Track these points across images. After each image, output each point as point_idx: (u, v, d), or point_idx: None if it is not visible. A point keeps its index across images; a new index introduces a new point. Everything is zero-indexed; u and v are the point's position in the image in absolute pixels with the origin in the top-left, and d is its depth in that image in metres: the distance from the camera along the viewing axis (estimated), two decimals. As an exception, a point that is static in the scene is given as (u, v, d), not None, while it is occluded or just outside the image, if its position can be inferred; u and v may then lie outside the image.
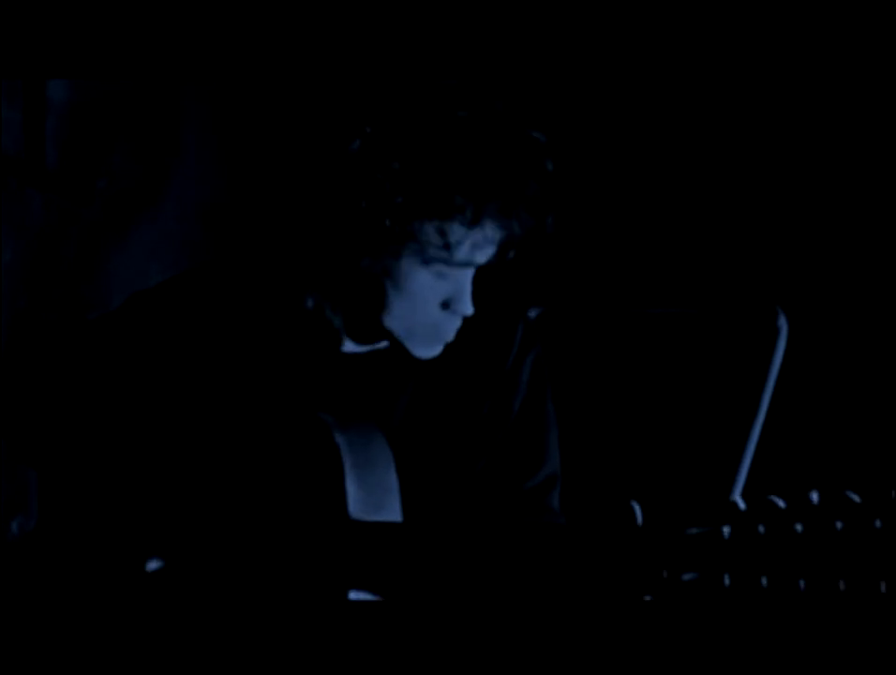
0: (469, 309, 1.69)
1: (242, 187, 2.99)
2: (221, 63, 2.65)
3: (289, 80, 2.74)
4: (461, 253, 1.65)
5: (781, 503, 1.22)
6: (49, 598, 1.63)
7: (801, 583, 1.19)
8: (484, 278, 1.74)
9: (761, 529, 1.21)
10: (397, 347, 1.74)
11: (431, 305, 1.69)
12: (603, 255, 2.76)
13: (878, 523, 1.17)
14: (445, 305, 1.69)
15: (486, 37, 2.73)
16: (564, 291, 2.69)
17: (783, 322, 2.05)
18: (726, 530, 1.23)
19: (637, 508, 1.29)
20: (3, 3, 2.51)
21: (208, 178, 2.99)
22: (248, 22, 2.68)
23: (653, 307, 2.18)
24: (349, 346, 1.77)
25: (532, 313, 2.10)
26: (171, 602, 1.58)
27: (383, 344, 1.75)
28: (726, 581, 1.20)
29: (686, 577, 1.21)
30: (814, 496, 1.22)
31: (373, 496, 1.61)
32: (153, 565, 1.62)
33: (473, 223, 1.63)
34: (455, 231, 1.63)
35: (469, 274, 1.69)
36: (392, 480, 1.64)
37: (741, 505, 1.24)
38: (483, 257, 1.67)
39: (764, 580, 1.20)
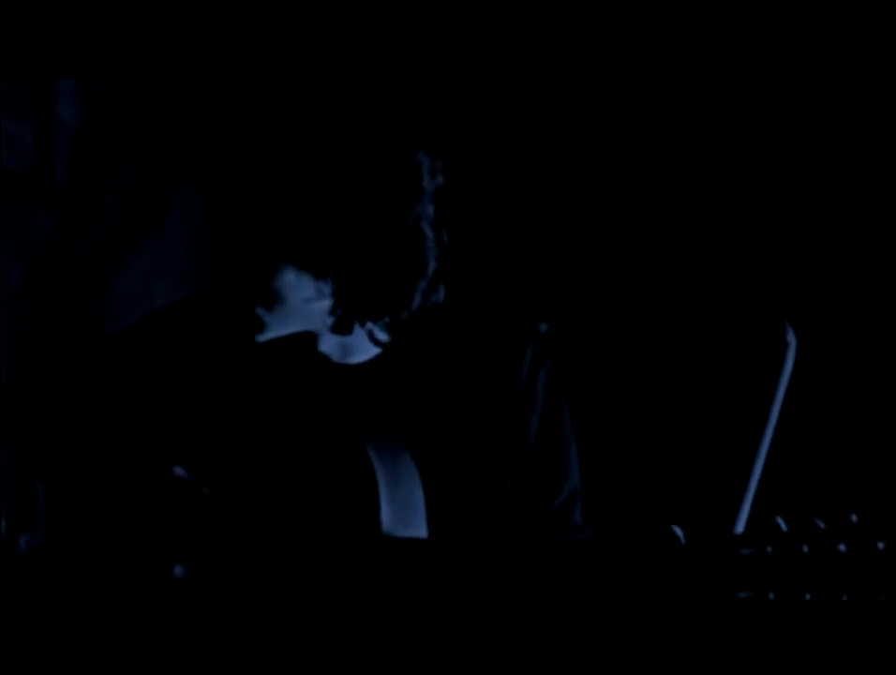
0: None
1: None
2: (222, 69, 2.66)
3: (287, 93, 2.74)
4: None
5: (821, 525, 1.25)
6: (56, 613, 1.64)
7: (844, 598, 1.22)
8: (490, 294, 1.75)
9: (805, 549, 1.24)
10: (389, 359, 1.76)
11: None
12: (609, 270, 2.77)
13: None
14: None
15: (488, 39, 2.73)
16: (572, 306, 2.70)
17: (791, 337, 2.07)
18: (770, 549, 1.25)
19: (679, 531, 1.31)
20: (5, 4, 2.51)
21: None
22: (247, 29, 2.69)
23: (660, 322, 2.19)
24: (335, 356, 1.79)
25: (542, 328, 2.11)
26: (185, 615, 1.59)
27: (370, 353, 1.77)
28: (771, 596, 1.23)
29: (742, 595, 1.24)
30: (854, 517, 1.24)
31: (401, 512, 1.62)
32: (178, 571, 1.62)
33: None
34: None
35: None
36: (418, 497, 1.65)
37: (783, 527, 1.26)
38: None
39: (808, 596, 1.22)
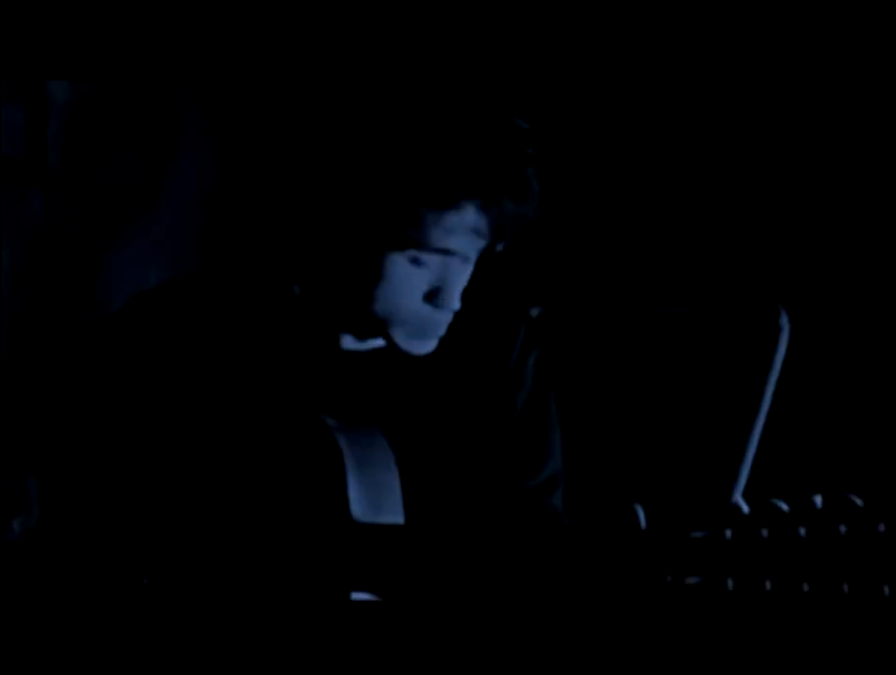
0: (453, 304, 1.66)
1: (240, 186, 3.00)
2: (217, 62, 2.66)
3: (282, 75, 2.75)
4: (433, 236, 1.62)
5: (784, 507, 1.22)
6: (49, 598, 1.64)
7: (805, 587, 1.19)
8: (483, 276, 1.74)
9: (764, 533, 1.21)
10: (395, 344, 1.74)
11: (412, 295, 1.66)
12: (604, 253, 2.76)
13: (881, 527, 1.17)
14: (429, 296, 1.66)
15: (486, 36, 2.73)
16: (565, 290, 2.69)
17: (784, 321, 2.05)
18: (729, 533, 1.23)
19: (640, 511, 1.29)
20: (3, 3, 2.52)
21: (208, 179, 3.00)
22: (244, 19, 2.69)
23: (654, 306, 2.18)
24: (347, 342, 1.77)
25: (534, 312, 2.11)
26: (170, 604, 1.58)
27: (380, 341, 1.75)
28: (730, 585, 1.20)
29: (690, 580, 1.21)
30: (818, 500, 1.21)
31: (375, 497, 1.61)
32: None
33: (446, 206, 1.61)
34: (426, 212, 1.61)
35: (454, 265, 1.66)
36: (394, 481, 1.64)
37: (744, 508, 1.24)
38: (460, 244, 1.63)
39: (768, 584, 1.20)
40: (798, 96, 2.64)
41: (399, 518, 1.63)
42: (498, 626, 1.47)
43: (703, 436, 2.12)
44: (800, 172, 2.64)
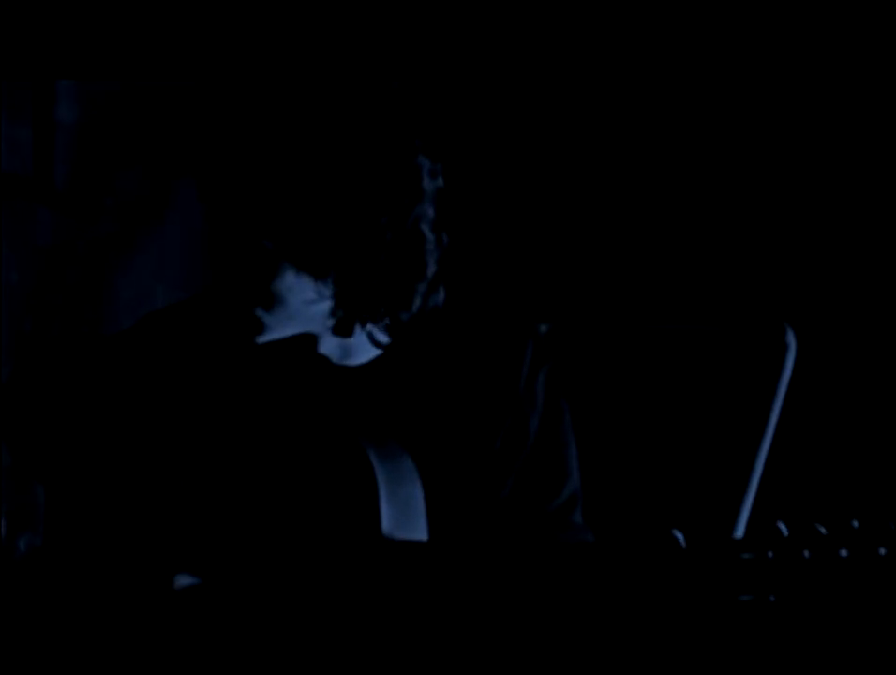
0: None
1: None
2: (220, 69, 2.67)
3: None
4: None
5: (823, 530, 1.25)
6: (54, 615, 1.64)
7: (843, 604, 1.22)
8: (488, 293, 1.75)
9: (806, 554, 1.24)
10: (389, 360, 1.77)
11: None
12: (610, 270, 2.77)
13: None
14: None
15: (488, 38, 2.74)
16: (572, 307, 2.70)
17: (791, 339, 2.07)
18: (770, 554, 1.25)
19: (680, 536, 1.31)
20: (5, 5, 2.52)
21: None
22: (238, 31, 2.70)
23: (660, 324, 2.19)
24: (335, 356, 1.79)
25: (542, 329, 2.12)
26: (187, 618, 1.59)
27: (365, 357, 1.78)
28: (771, 600, 1.23)
29: (743, 598, 1.24)
30: (855, 523, 1.24)
31: (402, 514, 1.63)
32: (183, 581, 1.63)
33: None
34: None
35: None
36: (419, 499, 1.66)
37: (785, 531, 1.27)
38: None
39: (809, 602, 1.22)
40: (812, 113, 2.65)
41: (423, 536, 1.64)
42: (528, 640, 1.48)
43: (709, 453, 2.14)
44: (807, 191, 2.65)
